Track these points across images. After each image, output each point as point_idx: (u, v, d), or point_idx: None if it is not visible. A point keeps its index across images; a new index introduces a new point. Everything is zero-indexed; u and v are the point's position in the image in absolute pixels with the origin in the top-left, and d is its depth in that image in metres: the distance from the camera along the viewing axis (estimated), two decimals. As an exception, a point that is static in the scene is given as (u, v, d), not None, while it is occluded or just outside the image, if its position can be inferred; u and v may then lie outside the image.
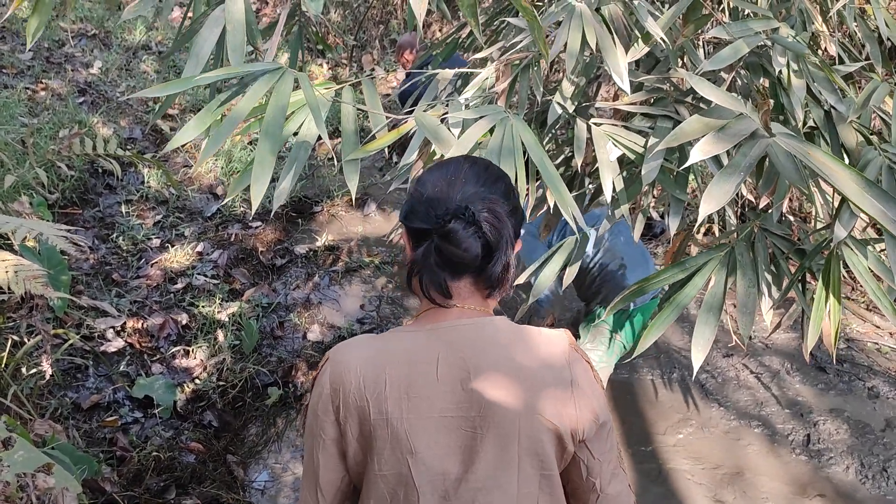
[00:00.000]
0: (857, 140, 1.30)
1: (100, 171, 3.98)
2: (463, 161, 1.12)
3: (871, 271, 1.27)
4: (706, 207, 1.00)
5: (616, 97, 1.75)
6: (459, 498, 1.06)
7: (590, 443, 1.09)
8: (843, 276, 3.79)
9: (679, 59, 1.64)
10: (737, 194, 1.84)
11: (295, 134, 1.14)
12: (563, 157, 1.78)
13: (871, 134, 1.38)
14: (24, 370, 2.43)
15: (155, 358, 2.93)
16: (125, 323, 3.02)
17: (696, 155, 1.04)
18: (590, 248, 2.53)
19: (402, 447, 1.05)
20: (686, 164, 1.06)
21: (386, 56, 6.12)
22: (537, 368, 1.07)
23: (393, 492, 1.07)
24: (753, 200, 1.78)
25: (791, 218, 1.80)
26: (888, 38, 1.71)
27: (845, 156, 1.31)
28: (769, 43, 1.37)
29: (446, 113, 1.19)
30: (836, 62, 1.73)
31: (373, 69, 5.90)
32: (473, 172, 1.10)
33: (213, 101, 0.84)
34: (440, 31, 5.94)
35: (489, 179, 1.10)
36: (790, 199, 3.53)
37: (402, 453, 1.05)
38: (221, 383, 2.87)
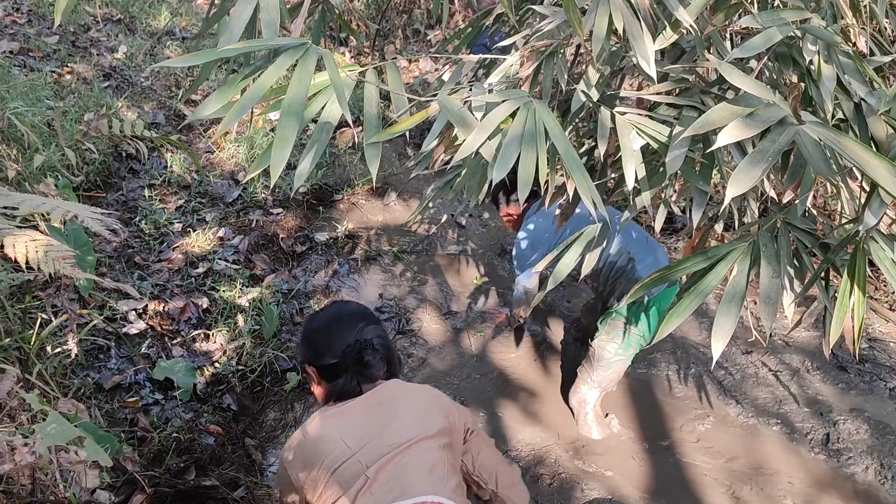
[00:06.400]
0: (888, 132, 1.28)
1: (123, 155, 4.01)
2: (338, 306, 1.78)
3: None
4: (732, 191, 0.99)
5: (640, 88, 1.73)
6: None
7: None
8: (868, 275, 3.75)
9: (706, 50, 1.62)
10: (760, 191, 1.82)
11: (315, 118, 1.14)
12: (584, 148, 1.77)
13: (902, 126, 1.36)
14: (49, 349, 2.46)
15: (176, 341, 2.96)
16: (147, 305, 3.05)
17: (724, 139, 1.03)
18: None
19: None
20: (712, 148, 1.05)
21: (409, 45, 6.11)
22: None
23: None
24: (777, 197, 1.76)
25: (815, 213, 1.78)
26: (921, 32, 1.68)
27: (875, 148, 1.29)
28: (799, 34, 1.35)
29: (469, 97, 1.18)
30: (867, 57, 1.70)
31: (395, 58, 5.89)
32: (350, 311, 1.69)
33: (236, 75, 0.84)
34: (463, 20, 5.92)
35: (363, 314, 1.68)
36: (815, 197, 3.48)
37: None
38: (241, 367, 2.90)
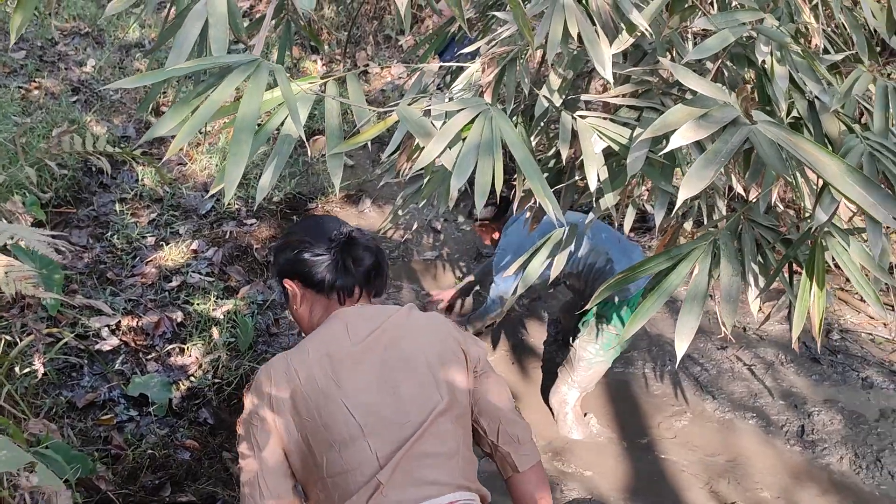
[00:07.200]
0: (840, 129, 1.30)
1: (93, 169, 3.97)
2: (318, 216, 1.59)
3: (858, 263, 1.28)
4: (684, 192, 1.00)
5: (606, 90, 1.75)
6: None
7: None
8: (838, 268, 3.82)
9: (668, 52, 1.64)
10: (728, 186, 1.84)
11: (279, 129, 1.14)
12: (553, 150, 1.78)
13: (856, 123, 1.38)
14: (17, 370, 2.43)
15: (150, 356, 2.93)
16: (120, 321, 3.03)
17: (677, 141, 1.05)
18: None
19: None
20: (666, 150, 1.07)
21: (380, 52, 6.11)
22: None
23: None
24: (744, 193, 1.78)
25: (782, 208, 1.80)
26: (875, 29, 1.71)
27: (829, 144, 1.31)
28: (755, 34, 1.37)
29: (429, 106, 1.19)
30: (820, 55, 1.73)
31: (367, 65, 5.90)
32: (331, 218, 1.55)
33: (189, 93, 0.84)
34: (434, 26, 5.93)
35: (342, 223, 1.53)
36: (784, 191, 3.53)
37: None
38: (217, 380, 2.88)
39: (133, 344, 2.96)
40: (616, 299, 2.54)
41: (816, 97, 1.33)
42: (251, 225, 3.89)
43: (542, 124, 1.70)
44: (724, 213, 1.87)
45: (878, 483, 2.71)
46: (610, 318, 2.58)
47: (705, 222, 1.82)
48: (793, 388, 3.15)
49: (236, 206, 4.01)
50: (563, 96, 1.53)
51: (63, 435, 2.34)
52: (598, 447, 2.83)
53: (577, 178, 1.67)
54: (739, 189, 1.81)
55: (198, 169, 4.25)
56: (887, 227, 1.05)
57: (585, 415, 2.92)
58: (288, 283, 1.49)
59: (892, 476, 2.72)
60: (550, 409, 2.91)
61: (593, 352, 2.67)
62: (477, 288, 3.33)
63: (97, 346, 2.86)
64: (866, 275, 1.32)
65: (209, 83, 0.83)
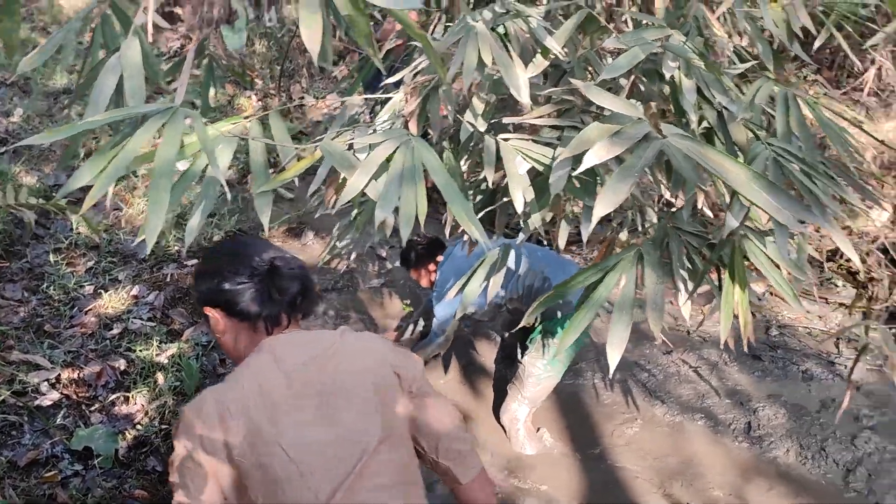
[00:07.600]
0: (748, 137, 1.36)
1: (24, 220, 3.87)
2: (239, 238, 1.54)
3: (773, 262, 1.34)
4: (600, 209, 1.04)
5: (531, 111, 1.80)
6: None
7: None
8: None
9: (586, 69, 1.70)
10: (659, 195, 1.91)
11: (204, 172, 1.14)
12: (483, 173, 1.81)
13: (763, 130, 1.45)
14: (-49, 434, 2.34)
15: (93, 407, 2.86)
16: (60, 374, 2.94)
17: (590, 159, 1.08)
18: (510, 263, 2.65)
19: None
20: (580, 170, 1.10)
21: (315, 83, 6.13)
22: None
23: None
24: (673, 200, 1.84)
25: (711, 214, 1.86)
26: (778, 38, 1.80)
27: (739, 152, 1.38)
28: (663, 50, 1.43)
29: (353, 139, 1.21)
30: (732, 65, 1.81)
31: (302, 97, 5.90)
32: (253, 241, 1.50)
33: (105, 144, 0.84)
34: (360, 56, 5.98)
35: (265, 247, 1.46)
36: (716, 196, 3.64)
37: None
38: (164, 426, 2.81)
39: (75, 396, 2.87)
40: (559, 314, 2.58)
41: (724, 107, 1.40)
42: (192, 266, 3.83)
43: (470, 148, 1.74)
44: (656, 221, 1.94)
45: (825, 472, 2.80)
46: (555, 333, 2.62)
47: (640, 230, 1.88)
48: (737, 387, 3.24)
49: (176, 248, 3.95)
50: (488, 120, 1.57)
51: (5, 496, 2.26)
52: (552, 461, 2.86)
53: (505, 199, 1.70)
54: (669, 196, 1.87)
55: (135, 213, 4.17)
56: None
57: (538, 429, 2.95)
58: (209, 312, 1.42)
59: (837, 464, 2.82)
60: (503, 427, 2.93)
61: (541, 367, 2.71)
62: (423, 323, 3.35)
63: (37, 402, 2.77)
64: (788, 273, 1.39)
65: (125, 133, 0.84)
